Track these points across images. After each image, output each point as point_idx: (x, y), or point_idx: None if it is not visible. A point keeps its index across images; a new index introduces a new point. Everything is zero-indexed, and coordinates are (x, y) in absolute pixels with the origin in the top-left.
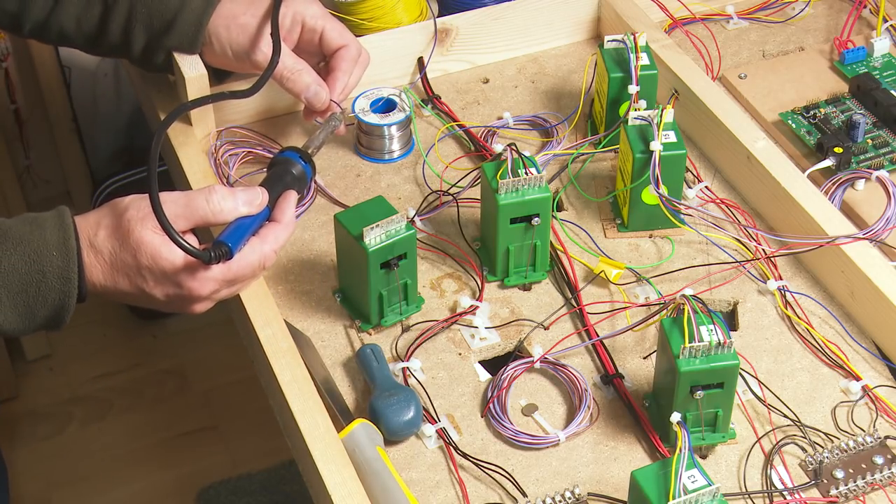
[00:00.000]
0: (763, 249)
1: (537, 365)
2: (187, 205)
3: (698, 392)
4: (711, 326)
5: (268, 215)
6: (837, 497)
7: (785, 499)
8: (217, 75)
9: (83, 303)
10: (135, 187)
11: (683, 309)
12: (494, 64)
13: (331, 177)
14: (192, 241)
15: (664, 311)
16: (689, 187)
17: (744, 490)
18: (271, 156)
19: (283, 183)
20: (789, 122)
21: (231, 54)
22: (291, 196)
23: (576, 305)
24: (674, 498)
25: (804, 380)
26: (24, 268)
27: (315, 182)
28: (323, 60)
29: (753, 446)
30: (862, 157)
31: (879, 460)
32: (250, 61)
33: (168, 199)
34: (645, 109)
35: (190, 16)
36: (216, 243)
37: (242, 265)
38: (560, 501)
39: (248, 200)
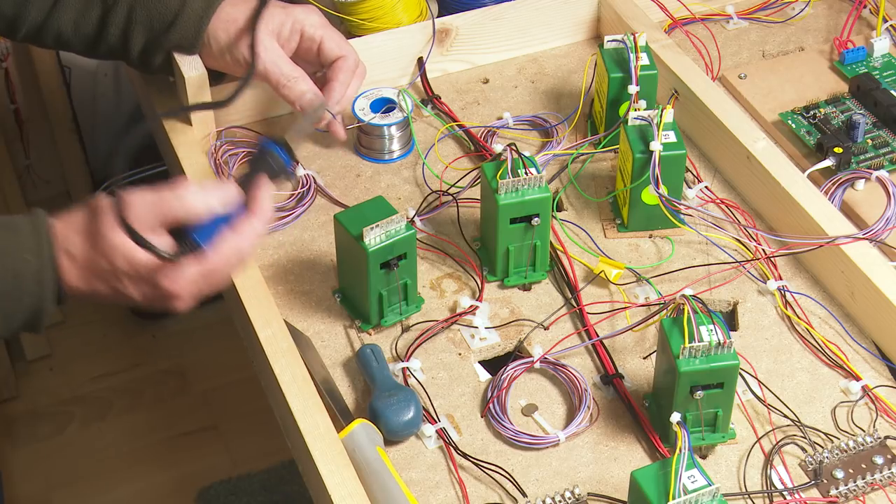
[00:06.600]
0: (763, 249)
1: (537, 365)
2: (157, 204)
3: (698, 392)
4: (711, 326)
5: (244, 208)
6: (837, 497)
7: (785, 499)
8: (213, 75)
9: (62, 304)
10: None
11: (683, 309)
12: (494, 64)
13: (331, 177)
14: (167, 241)
15: (664, 311)
16: (689, 187)
17: (744, 490)
18: None
19: (258, 173)
20: (789, 122)
21: (229, 58)
22: (264, 184)
23: (576, 305)
24: (674, 498)
25: (804, 380)
26: None
27: (315, 182)
28: (321, 70)
29: (753, 446)
30: (862, 157)
31: (879, 460)
32: (248, 66)
33: (139, 201)
34: (645, 109)
35: (190, 18)
36: (183, 239)
37: (217, 258)
38: (560, 501)
39: (218, 195)
